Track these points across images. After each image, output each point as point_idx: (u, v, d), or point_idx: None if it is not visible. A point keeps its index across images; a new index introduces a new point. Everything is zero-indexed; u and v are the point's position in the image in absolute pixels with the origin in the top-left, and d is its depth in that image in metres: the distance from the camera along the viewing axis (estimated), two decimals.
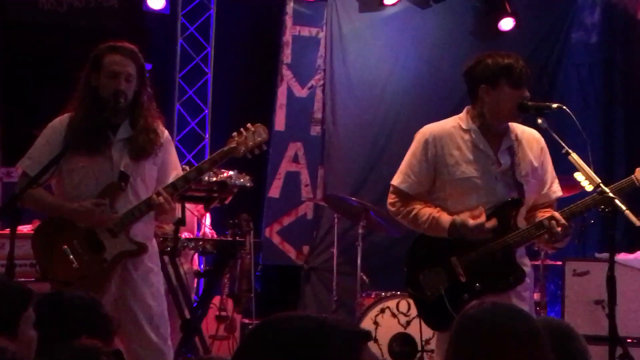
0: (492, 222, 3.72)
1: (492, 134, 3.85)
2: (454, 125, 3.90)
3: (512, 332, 2.02)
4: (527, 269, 3.89)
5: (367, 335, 1.68)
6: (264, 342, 1.61)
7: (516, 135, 3.86)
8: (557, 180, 3.95)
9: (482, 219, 3.72)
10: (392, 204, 3.95)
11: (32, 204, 3.92)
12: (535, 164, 3.86)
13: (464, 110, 3.92)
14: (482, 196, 3.81)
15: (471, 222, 3.72)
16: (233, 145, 3.93)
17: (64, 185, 3.96)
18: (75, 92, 3.99)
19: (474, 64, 3.83)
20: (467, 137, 3.85)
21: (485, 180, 3.81)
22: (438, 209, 3.84)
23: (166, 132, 4.13)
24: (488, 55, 3.82)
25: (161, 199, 3.83)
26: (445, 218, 3.78)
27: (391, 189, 3.97)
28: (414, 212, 3.86)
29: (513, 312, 2.09)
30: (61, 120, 3.99)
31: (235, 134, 3.96)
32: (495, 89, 3.76)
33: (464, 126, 3.87)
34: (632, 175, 3.61)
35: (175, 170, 4.08)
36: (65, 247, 3.86)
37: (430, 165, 3.87)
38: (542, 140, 3.82)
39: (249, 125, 3.97)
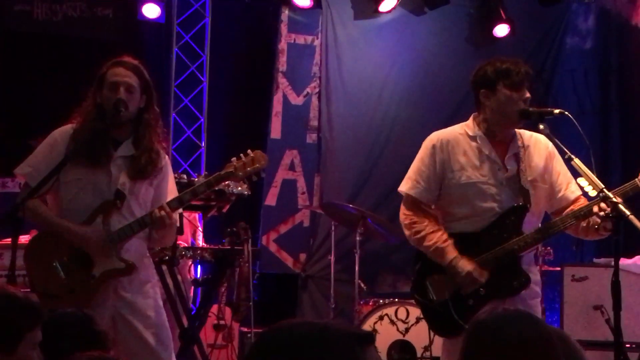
0: (485, 275, 3.75)
1: (499, 141, 3.86)
2: (460, 132, 3.92)
3: (522, 338, 2.02)
4: (535, 277, 3.89)
5: (368, 337, 1.67)
6: (267, 351, 1.61)
7: (523, 142, 3.87)
8: (573, 181, 3.92)
9: (481, 275, 3.74)
10: (405, 216, 3.93)
11: (30, 216, 3.90)
12: (543, 168, 3.86)
13: (470, 117, 3.94)
14: (487, 201, 3.81)
15: (469, 269, 3.73)
16: (231, 170, 3.92)
17: (59, 197, 3.93)
18: (81, 107, 3.98)
19: (476, 71, 3.87)
20: (473, 143, 3.87)
21: (491, 185, 3.82)
22: (445, 237, 3.81)
23: (166, 157, 4.13)
24: (488, 62, 3.85)
25: (162, 212, 3.82)
26: (450, 252, 3.77)
27: (404, 197, 3.96)
28: (421, 234, 3.85)
29: (523, 318, 2.08)
30: (64, 130, 3.97)
31: (234, 159, 3.95)
32: (494, 93, 3.78)
33: (470, 133, 3.88)
34: (636, 179, 3.59)
35: (172, 195, 4.04)
36: (56, 262, 3.84)
37: (438, 171, 3.88)
38: (550, 144, 3.82)
39: (249, 151, 3.97)
